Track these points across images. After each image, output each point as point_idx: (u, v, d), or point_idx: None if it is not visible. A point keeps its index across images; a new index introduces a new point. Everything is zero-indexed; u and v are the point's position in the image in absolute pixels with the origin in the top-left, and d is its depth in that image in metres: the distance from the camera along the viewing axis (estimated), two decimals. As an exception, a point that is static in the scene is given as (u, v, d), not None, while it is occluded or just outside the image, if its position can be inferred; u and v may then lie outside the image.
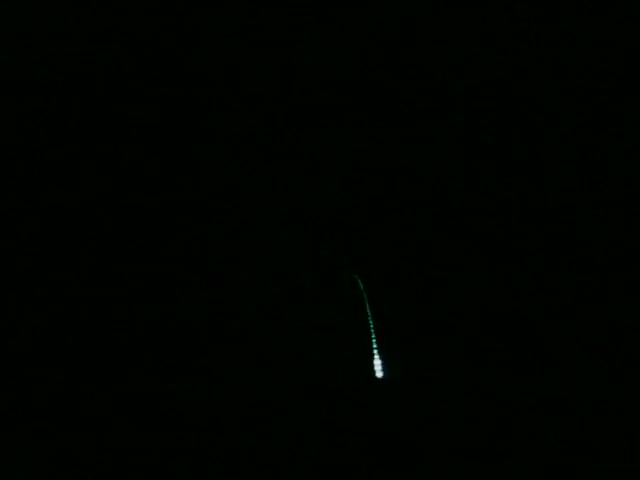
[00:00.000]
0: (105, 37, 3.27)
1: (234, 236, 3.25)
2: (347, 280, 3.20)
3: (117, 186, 3.26)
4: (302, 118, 3.26)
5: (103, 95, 3.27)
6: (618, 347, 3.07)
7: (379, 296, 3.19)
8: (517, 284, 3.15)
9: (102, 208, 3.25)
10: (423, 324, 3.16)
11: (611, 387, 3.04)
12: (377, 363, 3.12)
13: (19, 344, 3.18)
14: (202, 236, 3.25)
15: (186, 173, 3.27)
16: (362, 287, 3.17)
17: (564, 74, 3.17)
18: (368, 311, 3.16)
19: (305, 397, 3.12)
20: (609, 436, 3.00)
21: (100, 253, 3.23)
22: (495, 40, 3.19)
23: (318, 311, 3.20)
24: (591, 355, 3.07)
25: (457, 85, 3.21)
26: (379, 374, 3.10)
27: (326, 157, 3.25)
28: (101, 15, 3.26)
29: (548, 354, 3.10)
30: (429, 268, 3.19)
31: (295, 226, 3.24)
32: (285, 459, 3.08)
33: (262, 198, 3.26)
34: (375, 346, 3.13)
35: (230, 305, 3.22)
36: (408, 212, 3.21)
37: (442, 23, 3.21)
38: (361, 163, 3.24)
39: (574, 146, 3.16)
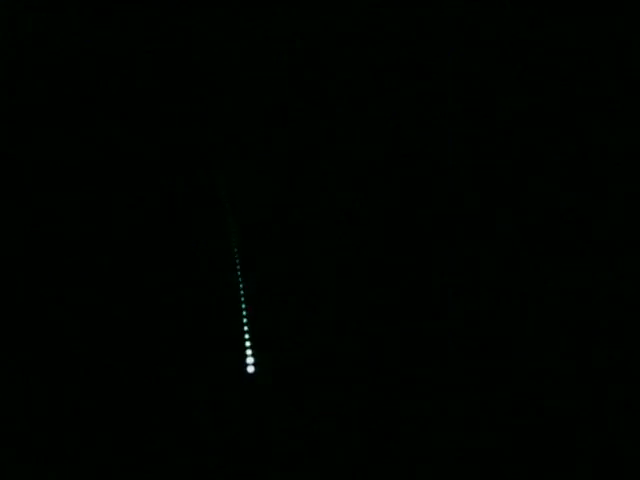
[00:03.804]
0: (105, 37, 3.27)
1: (233, 237, 3.25)
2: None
3: (116, 186, 3.26)
4: (301, 117, 3.26)
5: (103, 94, 3.27)
6: (619, 348, 3.07)
7: (377, 296, 3.19)
8: (518, 284, 3.15)
9: (101, 208, 3.25)
10: (421, 324, 3.16)
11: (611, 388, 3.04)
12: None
13: (19, 344, 3.18)
14: (200, 236, 3.25)
15: (186, 173, 3.27)
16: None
17: (564, 74, 3.17)
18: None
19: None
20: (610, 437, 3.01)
21: (99, 252, 3.23)
22: (495, 40, 3.19)
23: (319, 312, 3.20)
24: (591, 355, 3.08)
25: (457, 85, 3.20)
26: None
27: (325, 157, 3.25)
28: (101, 14, 3.26)
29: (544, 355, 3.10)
30: (428, 268, 3.18)
31: (295, 226, 3.24)
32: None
33: (262, 199, 3.26)
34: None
35: (229, 305, 3.22)
36: (407, 212, 3.21)
37: (441, 23, 3.21)
38: (360, 163, 3.24)
39: (574, 146, 3.16)
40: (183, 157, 3.27)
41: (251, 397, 3.14)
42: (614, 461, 2.99)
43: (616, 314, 3.08)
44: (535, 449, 3.03)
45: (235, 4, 3.27)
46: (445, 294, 3.15)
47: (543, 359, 3.09)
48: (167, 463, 3.10)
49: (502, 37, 3.19)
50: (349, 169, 3.24)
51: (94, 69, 3.27)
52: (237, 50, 3.27)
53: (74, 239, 3.23)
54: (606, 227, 3.12)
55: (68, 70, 3.27)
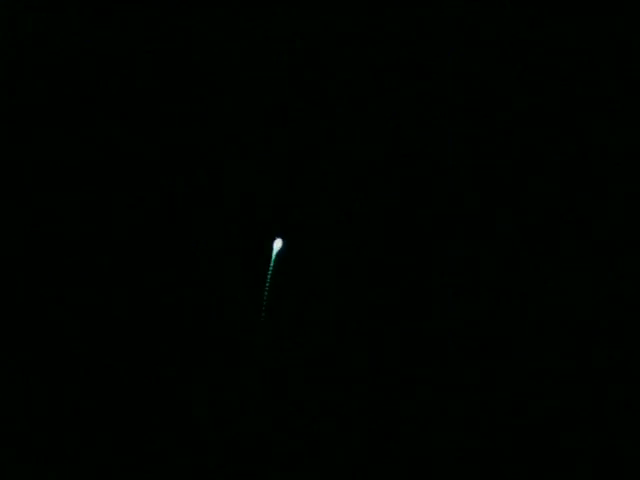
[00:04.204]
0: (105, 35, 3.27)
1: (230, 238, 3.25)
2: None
3: (116, 186, 3.26)
4: (301, 117, 3.26)
5: (103, 94, 3.27)
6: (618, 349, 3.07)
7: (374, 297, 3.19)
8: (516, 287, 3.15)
9: (101, 208, 3.25)
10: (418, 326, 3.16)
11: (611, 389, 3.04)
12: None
13: (19, 344, 3.18)
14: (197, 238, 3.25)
15: (186, 173, 3.27)
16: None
17: (564, 74, 3.17)
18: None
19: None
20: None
21: (99, 252, 3.23)
22: (495, 40, 3.19)
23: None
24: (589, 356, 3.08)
25: (457, 85, 3.20)
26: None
27: (325, 157, 3.25)
28: (101, 14, 3.27)
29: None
30: (428, 268, 3.19)
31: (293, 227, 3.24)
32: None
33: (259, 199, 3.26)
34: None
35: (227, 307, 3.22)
36: (407, 212, 3.21)
37: (441, 23, 3.21)
38: (360, 163, 3.24)
39: (574, 146, 3.16)
40: (183, 157, 3.27)
41: (251, 397, 3.14)
42: (614, 461, 2.99)
43: (616, 314, 3.08)
44: (535, 449, 3.03)
45: (235, 4, 3.27)
46: (445, 294, 3.15)
47: (543, 359, 3.09)
48: (167, 463, 3.10)
49: (502, 37, 3.19)
50: (349, 169, 3.24)
51: (94, 69, 3.27)
52: (237, 50, 3.27)
53: (74, 239, 3.22)
54: (606, 227, 3.12)
55: (68, 70, 3.27)
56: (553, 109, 3.17)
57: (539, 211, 3.15)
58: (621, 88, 3.14)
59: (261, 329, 3.20)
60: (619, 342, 3.06)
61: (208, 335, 3.19)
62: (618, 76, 3.14)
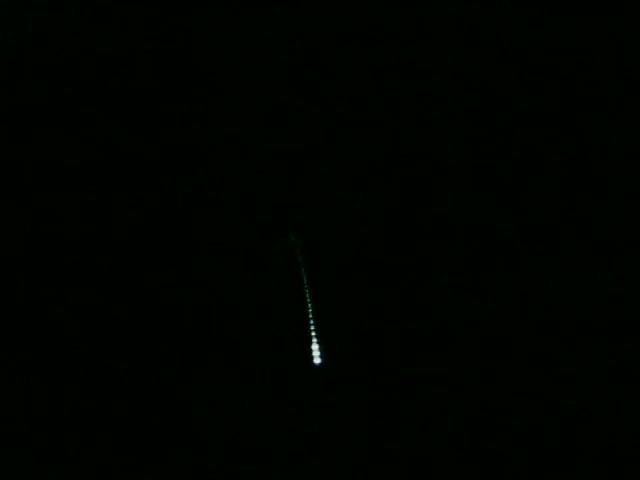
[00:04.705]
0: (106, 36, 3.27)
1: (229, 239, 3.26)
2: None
3: (116, 186, 3.26)
4: (301, 117, 3.26)
5: (103, 94, 3.28)
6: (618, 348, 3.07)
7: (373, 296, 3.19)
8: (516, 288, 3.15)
9: (101, 208, 3.25)
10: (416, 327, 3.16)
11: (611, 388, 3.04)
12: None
13: (19, 344, 3.18)
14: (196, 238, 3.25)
15: (186, 173, 3.27)
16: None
17: (564, 74, 3.17)
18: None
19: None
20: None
21: (99, 252, 3.23)
22: (495, 40, 3.19)
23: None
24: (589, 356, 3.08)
25: (457, 85, 3.21)
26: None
27: (325, 157, 3.25)
28: (101, 14, 3.27)
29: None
30: (428, 268, 3.19)
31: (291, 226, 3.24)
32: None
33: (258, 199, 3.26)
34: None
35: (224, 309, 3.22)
36: (407, 212, 3.21)
37: (441, 23, 3.21)
38: (360, 163, 3.24)
39: (574, 146, 3.17)
40: (183, 157, 3.27)
41: (251, 397, 3.15)
42: (614, 461, 2.99)
43: (616, 314, 3.08)
44: (535, 449, 3.03)
45: (235, 4, 3.27)
46: (445, 294, 3.15)
47: (543, 359, 3.09)
48: (167, 463, 3.10)
49: (502, 37, 3.19)
50: (349, 169, 3.24)
51: (94, 69, 3.27)
52: (237, 50, 3.27)
53: (74, 239, 3.23)
54: (606, 227, 3.12)
55: (68, 70, 3.27)
56: (553, 109, 3.17)
57: (539, 211, 3.15)
58: (621, 88, 3.14)
59: (261, 329, 3.20)
60: (619, 342, 3.06)
61: (208, 335, 3.19)
62: (618, 76, 3.14)
